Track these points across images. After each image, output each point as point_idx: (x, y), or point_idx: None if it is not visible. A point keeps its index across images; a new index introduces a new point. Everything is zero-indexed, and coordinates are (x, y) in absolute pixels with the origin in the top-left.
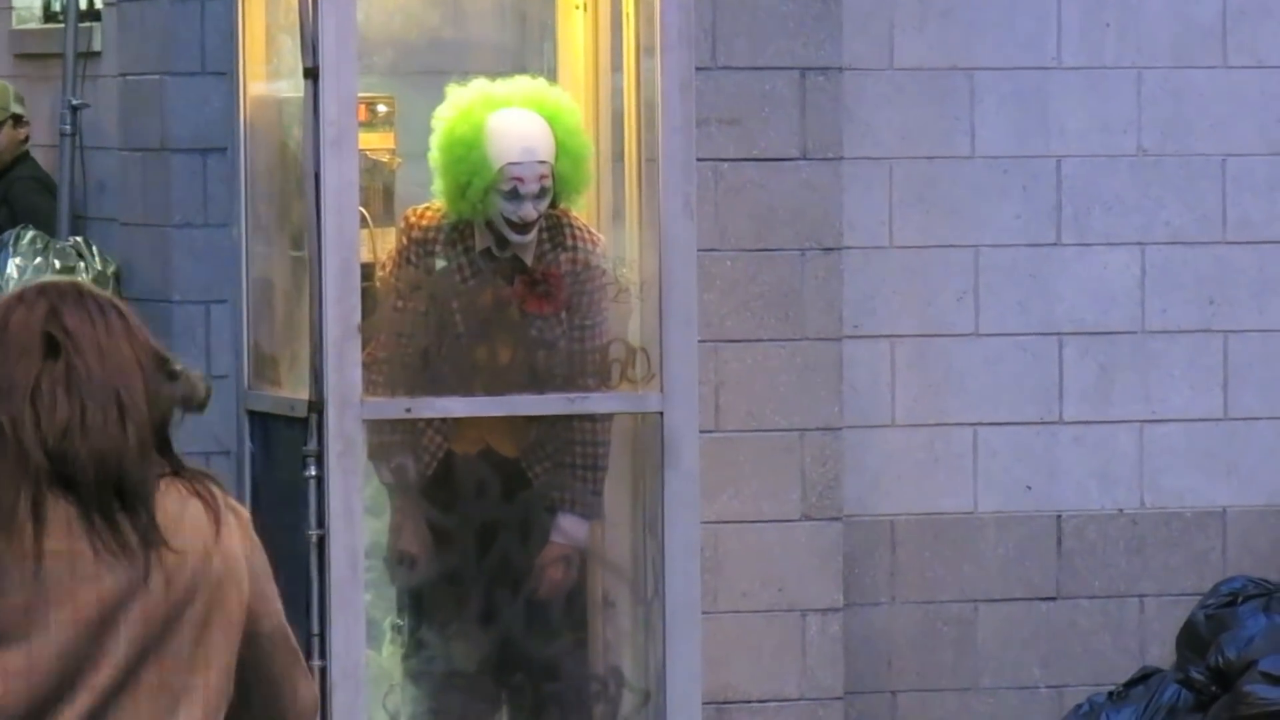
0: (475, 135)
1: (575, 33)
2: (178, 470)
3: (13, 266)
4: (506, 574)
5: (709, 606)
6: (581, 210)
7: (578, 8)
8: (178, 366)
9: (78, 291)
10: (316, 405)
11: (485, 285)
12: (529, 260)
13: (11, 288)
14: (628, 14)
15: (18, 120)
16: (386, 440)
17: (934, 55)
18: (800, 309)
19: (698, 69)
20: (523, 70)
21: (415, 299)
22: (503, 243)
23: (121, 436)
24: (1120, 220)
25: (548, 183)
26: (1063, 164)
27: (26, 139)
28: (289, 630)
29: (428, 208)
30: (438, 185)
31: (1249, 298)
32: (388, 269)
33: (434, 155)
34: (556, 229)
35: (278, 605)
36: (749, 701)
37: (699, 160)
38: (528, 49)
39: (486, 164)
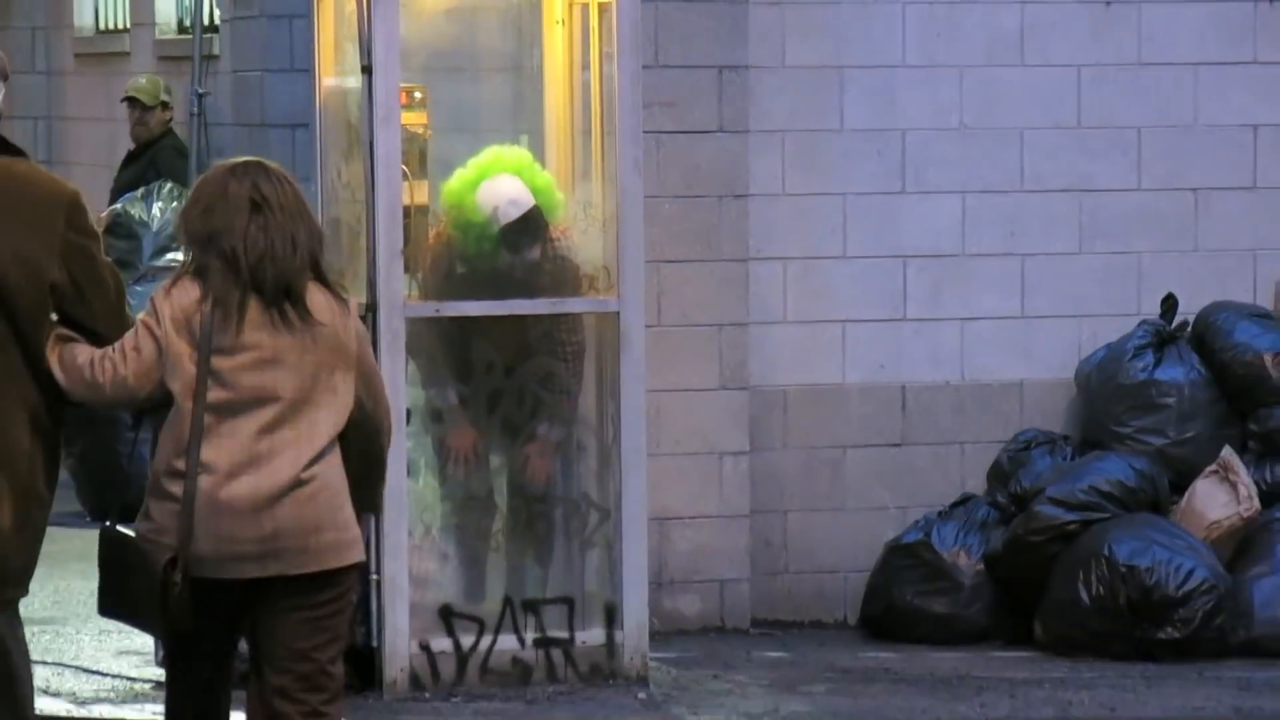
0: (474, 214)
1: (556, 41)
2: (322, 280)
3: (156, 209)
4: (508, 430)
5: (653, 451)
6: (561, 174)
7: (559, 22)
8: None
9: (266, 169)
10: (372, 307)
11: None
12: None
13: (154, 226)
14: (594, 28)
15: (165, 105)
16: (425, 349)
17: (814, 57)
18: (718, 239)
19: (644, 67)
20: (518, 67)
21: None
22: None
23: (292, 261)
24: (947, 176)
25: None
26: (906, 135)
27: (170, 119)
28: (379, 371)
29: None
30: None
31: (1039, 230)
32: (430, 238)
33: (441, 217)
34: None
35: (374, 366)
36: (681, 518)
37: (645, 132)
38: (522, 53)
39: (487, 227)
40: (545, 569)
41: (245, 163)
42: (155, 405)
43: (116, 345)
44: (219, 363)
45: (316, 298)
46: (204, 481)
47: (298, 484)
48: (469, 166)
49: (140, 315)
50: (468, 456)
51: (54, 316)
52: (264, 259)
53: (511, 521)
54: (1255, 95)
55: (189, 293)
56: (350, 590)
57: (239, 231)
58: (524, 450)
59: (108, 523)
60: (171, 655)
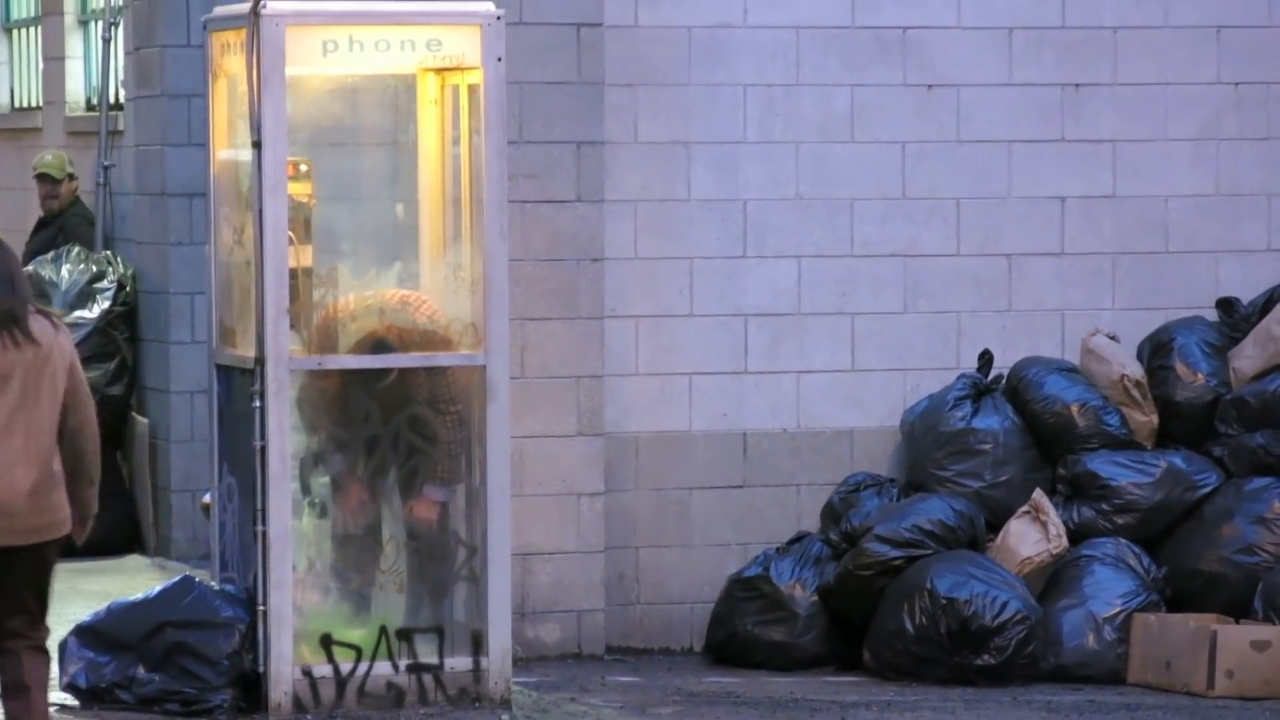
0: None
1: (430, 119)
2: (39, 310)
3: (65, 270)
4: (384, 473)
5: (516, 491)
6: (434, 239)
7: (432, 101)
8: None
9: None
10: (260, 360)
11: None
12: None
13: (63, 286)
14: (464, 107)
15: (71, 177)
16: (310, 398)
17: (664, 133)
18: (576, 298)
19: (510, 142)
20: (395, 142)
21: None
22: None
23: (12, 298)
24: (784, 241)
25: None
26: (747, 204)
27: (77, 189)
28: (85, 380)
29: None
30: None
31: (867, 291)
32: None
33: None
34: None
35: (81, 373)
36: (542, 553)
37: (510, 201)
38: (399, 129)
39: None
40: (418, 600)
41: None
42: None
43: None
44: None
45: (34, 324)
46: None
47: (37, 476)
48: None
49: None
50: (354, 511)
51: None
52: None
53: (388, 557)
54: (1063, 170)
55: None
56: (58, 554)
57: None
58: (409, 504)
59: None
60: None
